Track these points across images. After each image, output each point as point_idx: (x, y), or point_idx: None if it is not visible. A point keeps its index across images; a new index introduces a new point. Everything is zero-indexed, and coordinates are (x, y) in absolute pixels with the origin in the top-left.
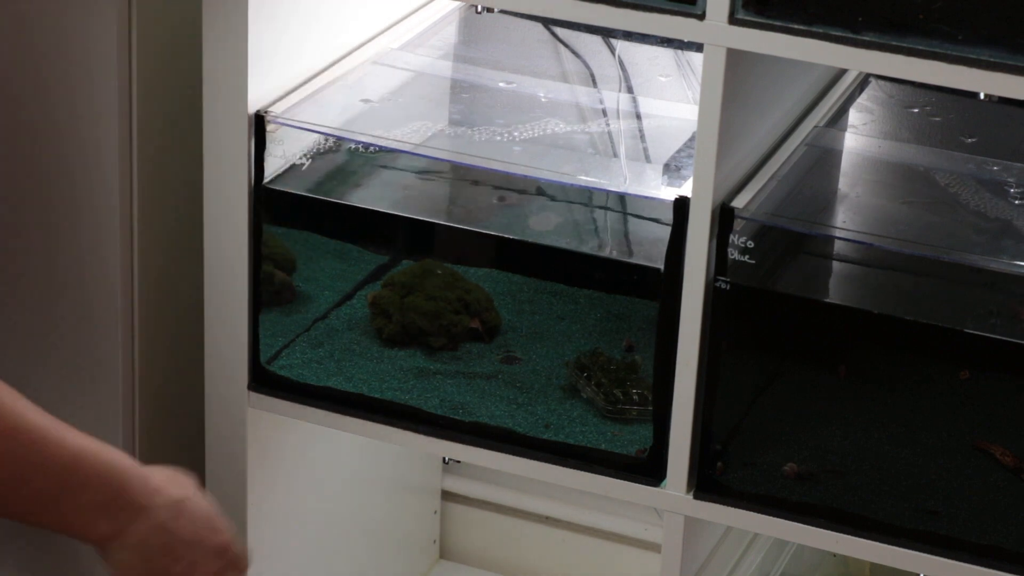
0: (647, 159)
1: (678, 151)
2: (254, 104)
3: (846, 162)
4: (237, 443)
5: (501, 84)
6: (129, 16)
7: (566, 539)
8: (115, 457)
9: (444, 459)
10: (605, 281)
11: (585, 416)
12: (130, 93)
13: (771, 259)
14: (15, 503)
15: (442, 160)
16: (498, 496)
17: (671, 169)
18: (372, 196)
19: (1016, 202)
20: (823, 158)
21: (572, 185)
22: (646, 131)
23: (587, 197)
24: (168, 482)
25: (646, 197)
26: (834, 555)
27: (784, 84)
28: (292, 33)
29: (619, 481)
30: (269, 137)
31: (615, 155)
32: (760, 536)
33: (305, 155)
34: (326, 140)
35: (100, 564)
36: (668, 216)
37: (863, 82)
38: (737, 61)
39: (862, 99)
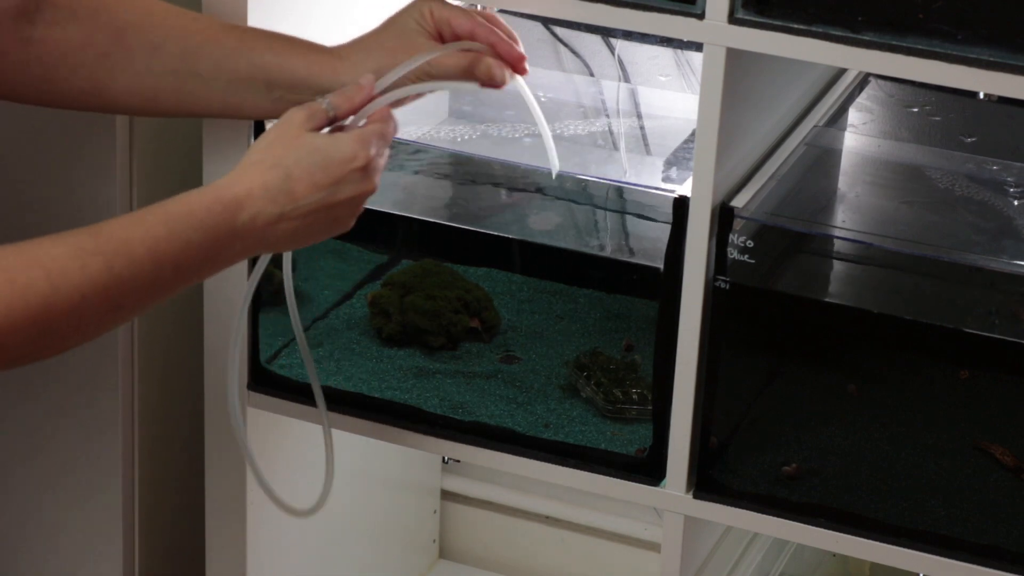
0: (647, 158)
1: (678, 150)
2: None
3: (846, 162)
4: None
5: None
6: None
7: (566, 539)
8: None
9: (444, 459)
10: (605, 281)
11: (585, 416)
12: None
13: (771, 259)
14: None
15: (443, 149)
16: (498, 496)
17: (671, 168)
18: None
19: (1016, 202)
20: (823, 158)
21: (571, 174)
22: (646, 130)
23: (587, 196)
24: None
25: (646, 196)
26: (834, 555)
27: (784, 84)
28: (291, 33)
29: (619, 481)
30: None
31: (615, 154)
32: (760, 536)
33: None
34: None
35: None
36: (668, 215)
37: (863, 82)
38: (737, 61)
39: (862, 99)
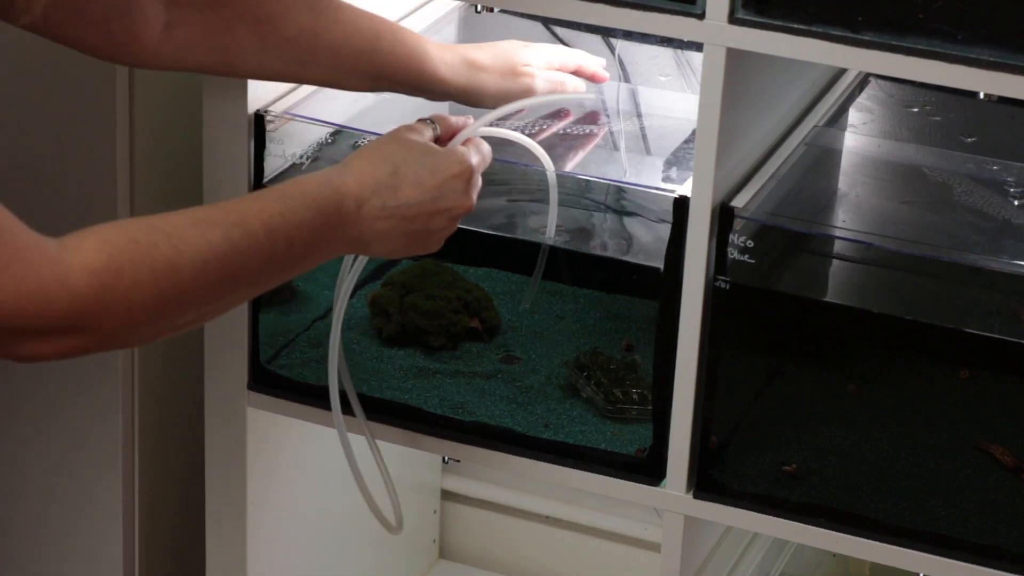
0: (647, 158)
1: (678, 150)
2: (253, 105)
3: (846, 162)
4: (237, 443)
5: None
6: None
7: (566, 539)
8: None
9: (444, 459)
10: (605, 281)
11: (585, 416)
12: (130, 92)
13: (771, 259)
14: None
15: None
16: (498, 496)
17: (671, 168)
18: None
19: (1016, 202)
20: (823, 157)
21: (571, 174)
22: (646, 130)
23: (587, 196)
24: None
25: (646, 196)
26: (834, 555)
27: (784, 84)
28: None
29: (619, 481)
30: (269, 136)
31: (615, 154)
32: (760, 536)
33: (305, 155)
34: (326, 140)
35: None
36: (668, 215)
37: (863, 82)
38: (737, 61)
39: (862, 99)
